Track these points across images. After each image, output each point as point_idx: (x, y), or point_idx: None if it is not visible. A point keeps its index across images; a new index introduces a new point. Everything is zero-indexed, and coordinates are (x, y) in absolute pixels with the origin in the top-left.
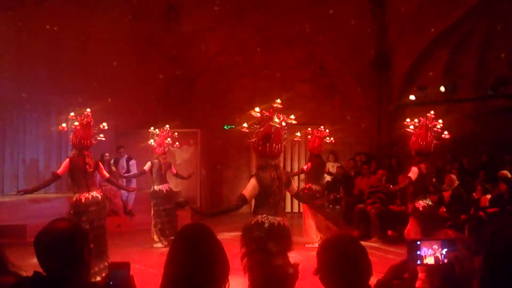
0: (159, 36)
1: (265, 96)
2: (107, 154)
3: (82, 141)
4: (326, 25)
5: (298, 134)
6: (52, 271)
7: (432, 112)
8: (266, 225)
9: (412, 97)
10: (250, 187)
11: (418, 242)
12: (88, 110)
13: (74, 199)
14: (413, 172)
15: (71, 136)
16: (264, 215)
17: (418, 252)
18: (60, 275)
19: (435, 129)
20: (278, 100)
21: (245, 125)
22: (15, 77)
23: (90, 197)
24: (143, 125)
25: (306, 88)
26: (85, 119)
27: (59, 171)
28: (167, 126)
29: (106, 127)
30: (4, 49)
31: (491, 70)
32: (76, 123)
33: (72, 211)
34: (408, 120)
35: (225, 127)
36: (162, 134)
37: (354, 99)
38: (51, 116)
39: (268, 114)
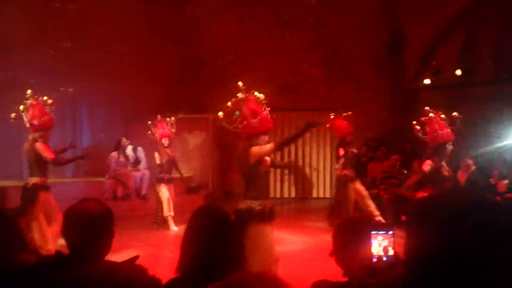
0: (167, 18)
1: (274, 80)
2: (125, 140)
3: (47, 122)
4: (337, 5)
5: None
6: (77, 249)
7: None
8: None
9: (427, 81)
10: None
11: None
12: (29, 91)
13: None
14: (427, 165)
15: (31, 118)
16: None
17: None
18: (84, 254)
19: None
20: (240, 83)
21: (220, 114)
22: (26, 61)
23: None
24: (153, 111)
25: (316, 72)
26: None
27: (50, 154)
28: (159, 116)
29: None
30: (15, 31)
31: (510, 52)
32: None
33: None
34: (427, 107)
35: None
36: (159, 123)
37: (367, 83)
38: (64, 101)
39: (237, 98)
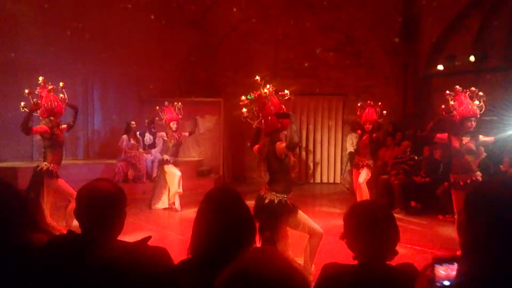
0: (182, 1)
1: (288, 64)
2: (133, 123)
3: (55, 109)
4: None
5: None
6: (89, 230)
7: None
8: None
9: (440, 67)
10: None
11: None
12: (41, 78)
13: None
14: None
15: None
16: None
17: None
18: (96, 234)
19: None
20: (257, 77)
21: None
22: (40, 43)
23: None
24: (167, 94)
25: (330, 57)
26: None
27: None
28: (166, 102)
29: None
30: (30, 15)
31: None
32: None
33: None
34: (448, 92)
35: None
36: (166, 108)
37: (380, 68)
38: (76, 83)
39: (258, 93)
